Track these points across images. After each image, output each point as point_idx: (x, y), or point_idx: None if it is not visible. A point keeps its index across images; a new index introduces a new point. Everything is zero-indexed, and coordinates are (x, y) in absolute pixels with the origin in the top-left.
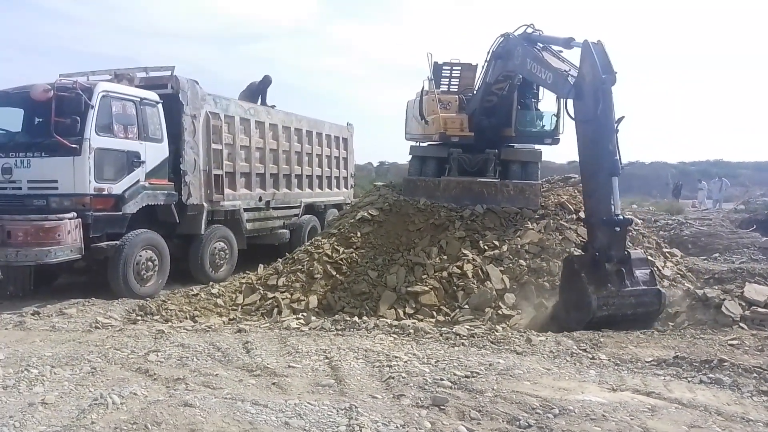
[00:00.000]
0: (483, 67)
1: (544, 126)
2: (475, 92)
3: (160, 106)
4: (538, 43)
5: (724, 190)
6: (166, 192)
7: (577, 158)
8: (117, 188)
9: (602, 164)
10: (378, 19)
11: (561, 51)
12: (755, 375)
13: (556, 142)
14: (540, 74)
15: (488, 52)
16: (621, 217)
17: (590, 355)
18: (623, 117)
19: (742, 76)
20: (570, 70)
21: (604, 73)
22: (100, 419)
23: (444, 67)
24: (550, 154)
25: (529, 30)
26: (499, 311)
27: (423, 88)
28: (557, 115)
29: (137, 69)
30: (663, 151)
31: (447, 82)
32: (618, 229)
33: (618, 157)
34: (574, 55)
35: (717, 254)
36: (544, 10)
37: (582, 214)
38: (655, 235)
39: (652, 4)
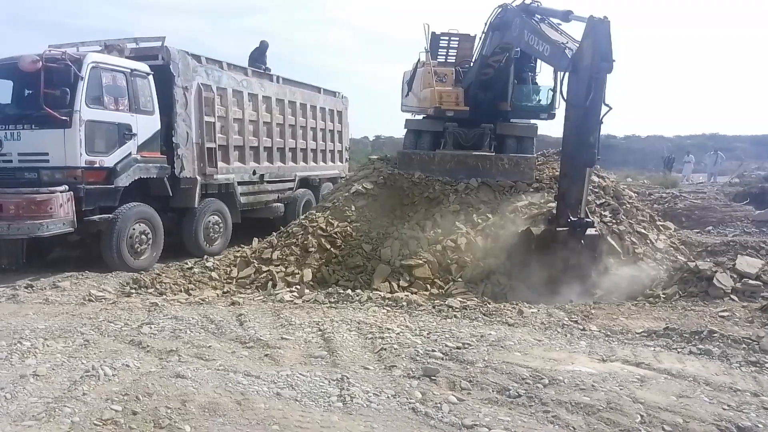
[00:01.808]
0: (480, 38)
1: (540, 101)
2: (471, 65)
3: (150, 77)
4: (537, 15)
5: (719, 163)
6: (158, 165)
7: None
8: (109, 161)
9: (581, 152)
10: None
11: (560, 24)
12: (744, 346)
13: (552, 116)
14: (537, 47)
15: (485, 24)
16: (585, 220)
17: (581, 327)
18: (610, 109)
19: (740, 47)
20: (568, 43)
21: (602, 60)
22: (92, 391)
23: (442, 38)
24: (545, 128)
25: (528, 1)
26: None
27: (419, 59)
28: (554, 90)
29: (127, 40)
30: (659, 125)
31: (444, 53)
32: (579, 229)
33: (596, 150)
34: (572, 28)
35: (710, 227)
36: None
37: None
38: (649, 208)
39: None
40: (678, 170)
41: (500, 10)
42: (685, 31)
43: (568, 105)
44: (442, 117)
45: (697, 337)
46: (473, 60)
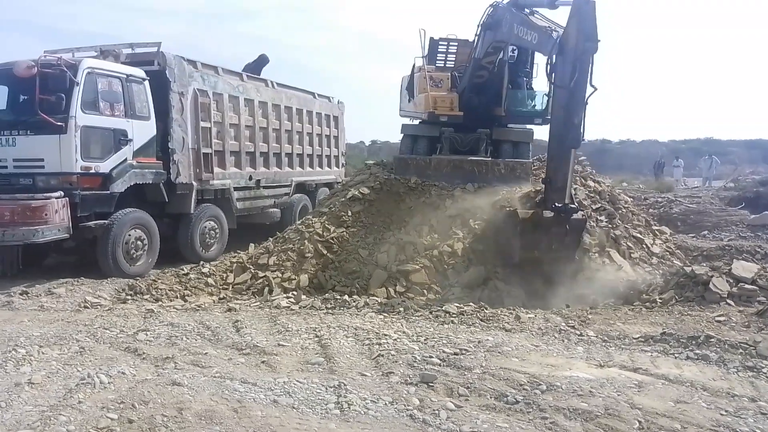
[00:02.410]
0: (474, 41)
1: (535, 106)
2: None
3: (146, 83)
4: (525, 9)
5: (714, 168)
6: (154, 171)
7: None
8: (104, 167)
9: (566, 134)
10: None
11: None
12: (741, 351)
13: (546, 122)
14: (526, 36)
15: (478, 25)
16: (570, 207)
17: (578, 332)
18: (595, 90)
19: (735, 50)
20: (555, 27)
21: (587, 40)
22: (87, 398)
23: (440, 43)
24: (541, 133)
25: None
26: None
27: (414, 65)
28: (549, 95)
29: (123, 45)
30: (654, 130)
31: (443, 59)
32: (563, 215)
33: (582, 131)
34: (559, 15)
35: (706, 232)
36: None
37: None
38: (644, 213)
39: None
40: (669, 174)
41: (491, 8)
42: (678, 33)
43: (555, 86)
44: (437, 122)
45: (694, 342)
46: (467, 63)
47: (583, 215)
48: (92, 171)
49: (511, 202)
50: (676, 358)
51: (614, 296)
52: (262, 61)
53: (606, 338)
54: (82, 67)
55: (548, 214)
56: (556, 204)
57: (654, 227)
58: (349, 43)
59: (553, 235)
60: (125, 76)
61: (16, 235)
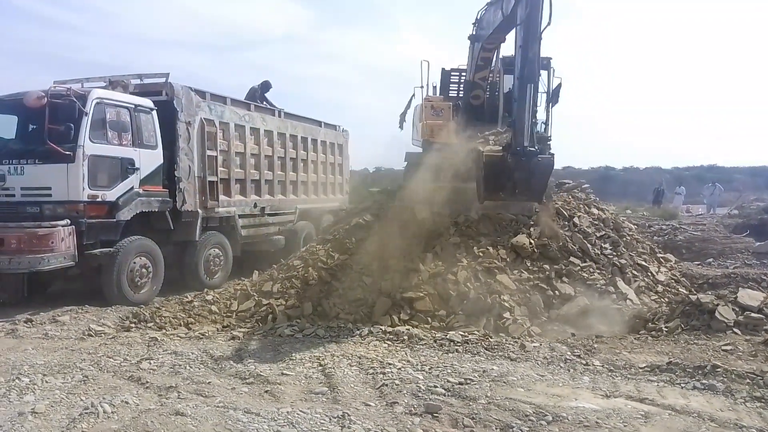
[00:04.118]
0: (467, 63)
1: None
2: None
3: (154, 112)
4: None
5: (718, 195)
6: (160, 199)
7: (572, 163)
8: (111, 195)
9: (522, 69)
10: (371, 25)
11: None
12: (748, 381)
13: (543, 151)
14: (496, 15)
15: (469, 48)
16: (529, 149)
17: (584, 362)
18: (549, 24)
19: (738, 77)
20: None
21: None
22: (91, 428)
23: (452, 74)
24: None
25: None
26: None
27: (413, 95)
28: (546, 123)
29: (132, 76)
30: (657, 157)
31: (456, 89)
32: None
33: (536, 66)
34: None
35: (711, 259)
36: None
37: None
38: (649, 241)
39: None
40: (669, 201)
41: (475, 20)
42: (683, 59)
43: (516, 27)
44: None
45: (700, 371)
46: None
47: (549, 156)
48: (99, 199)
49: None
50: (682, 388)
51: (619, 325)
52: (266, 86)
53: (612, 368)
54: (92, 97)
55: (511, 157)
56: (518, 148)
57: (659, 255)
58: (352, 74)
59: (516, 179)
60: (133, 106)
61: (22, 263)
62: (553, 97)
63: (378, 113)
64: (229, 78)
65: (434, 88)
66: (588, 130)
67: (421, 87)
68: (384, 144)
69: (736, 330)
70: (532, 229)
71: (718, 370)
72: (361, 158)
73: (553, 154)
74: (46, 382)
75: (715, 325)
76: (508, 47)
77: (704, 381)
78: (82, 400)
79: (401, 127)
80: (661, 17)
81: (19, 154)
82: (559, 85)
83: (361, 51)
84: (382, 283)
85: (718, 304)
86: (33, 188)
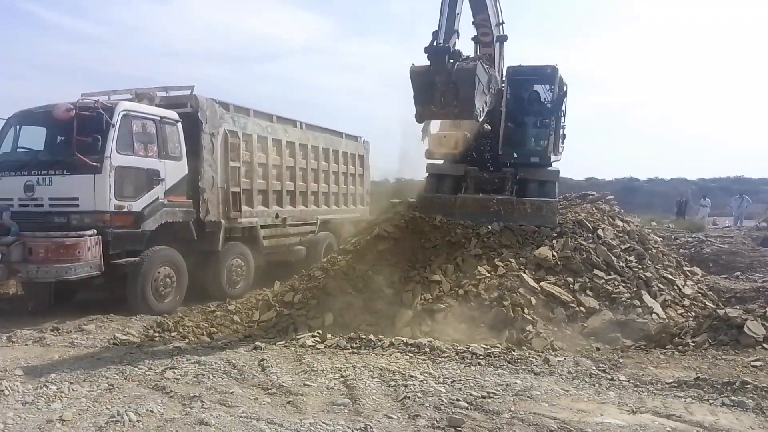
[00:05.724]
0: None
1: (534, 144)
2: None
3: (179, 124)
4: None
5: (745, 207)
6: (184, 209)
7: (594, 174)
8: (137, 206)
9: None
10: (391, 35)
11: None
12: None
13: (545, 161)
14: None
15: None
16: (445, 46)
17: (609, 376)
18: (566, 92)
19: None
20: None
21: None
22: None
23: None
24: (568, 170)
25: None
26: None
27: None
28: (552, 133)
29: (157, 88)
30: (683, 168)
31: None
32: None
33: None
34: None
35: (738, 273)
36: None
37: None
38: (675, 253)
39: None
40: (694, 213)
41: None
42: (709, 71)
43: None
44: (463, 161)
45: (729, 387)
46: None
47: (469, 64)
48: (125, 210)
49: None
50: (710, 404)
51: (645, 339)
52: None
53: (638, 383)
54: (118, 109)
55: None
56: (434, 44)
57: (685, 268)
58: (373, 84)
59: (441, 89)
60: (159, 118)
61: (49, 272)
62: (557, 105)
63: (400, 124)
64: (250, 90)
65: None
66: (610, 140)
67: None
68: (400, 155)
69: (765, 345)
70: (555, 241)
71: (748, 386)
72: (381, 169)
73: (473, 60)
74: (73, 390)
75: (744, 340)
76: (511, 59)
77: (733, 397)
78: (108, 408)
79: (423, 140)
80: (687, 17)
81: (47, 165)
82: (565, 93)
83: (383, 61)
84: (403, 295)
85: (746, 319)
86: (61, 198)
